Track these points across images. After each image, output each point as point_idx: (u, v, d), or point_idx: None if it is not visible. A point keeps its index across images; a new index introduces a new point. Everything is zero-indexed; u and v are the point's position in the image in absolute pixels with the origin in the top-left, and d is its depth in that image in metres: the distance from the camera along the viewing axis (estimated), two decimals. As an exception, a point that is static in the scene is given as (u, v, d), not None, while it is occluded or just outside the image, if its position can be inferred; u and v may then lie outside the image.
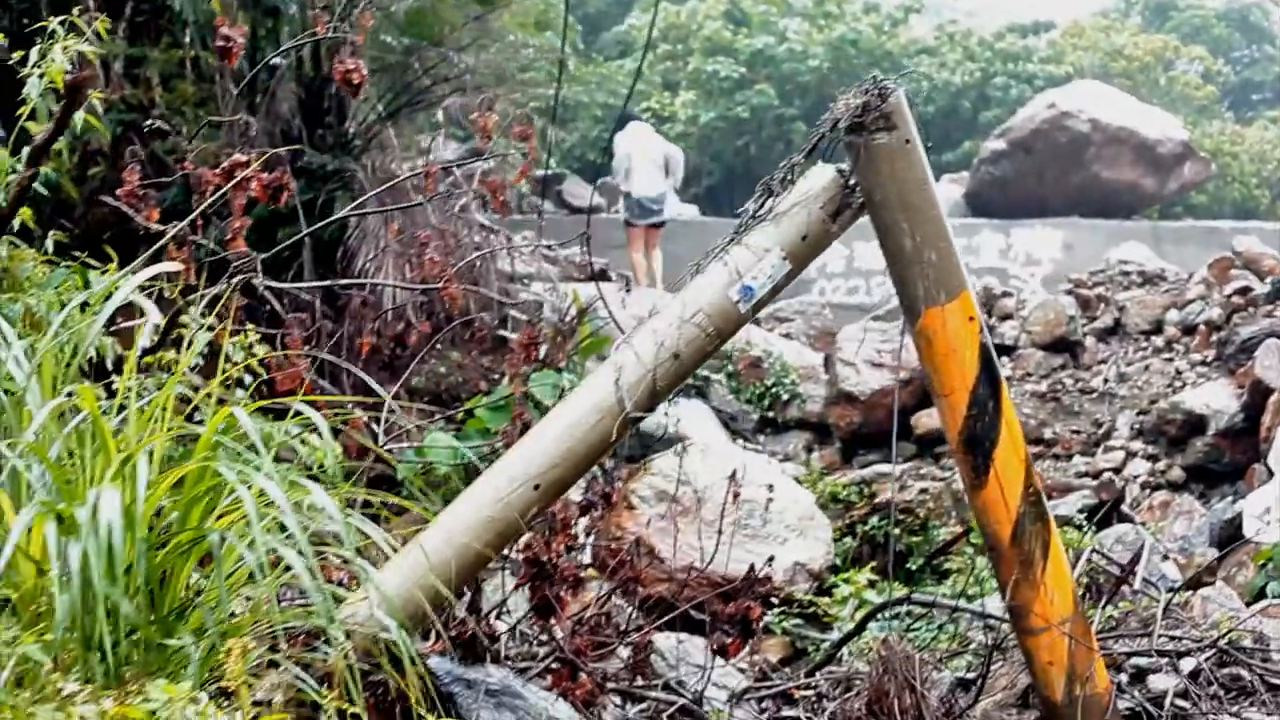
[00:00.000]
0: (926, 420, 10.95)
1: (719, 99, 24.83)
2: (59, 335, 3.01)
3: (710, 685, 4.71)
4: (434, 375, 9.08)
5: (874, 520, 9.06)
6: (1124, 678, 4.80)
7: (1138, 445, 10.77)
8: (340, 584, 3.39)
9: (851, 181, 3.70)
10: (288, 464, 3.14)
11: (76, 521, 2.38)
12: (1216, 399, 10.39)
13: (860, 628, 5.88)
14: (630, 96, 18.87)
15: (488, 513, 3.58)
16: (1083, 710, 4.02)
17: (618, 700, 4.46)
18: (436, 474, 5.60)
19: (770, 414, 11.85)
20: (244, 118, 6.89)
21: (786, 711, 4.87)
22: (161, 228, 4.13)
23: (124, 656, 2.40)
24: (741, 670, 5.45)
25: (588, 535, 5.20)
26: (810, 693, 5.01)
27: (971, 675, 4.80)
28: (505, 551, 4.09)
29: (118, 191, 4.34)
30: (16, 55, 4.17)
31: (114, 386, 3.08)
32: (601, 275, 11.27)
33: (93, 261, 4.36)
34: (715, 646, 4.68)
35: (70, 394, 2.74)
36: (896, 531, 8.85)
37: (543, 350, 5.78)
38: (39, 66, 4.00)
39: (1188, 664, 4.86)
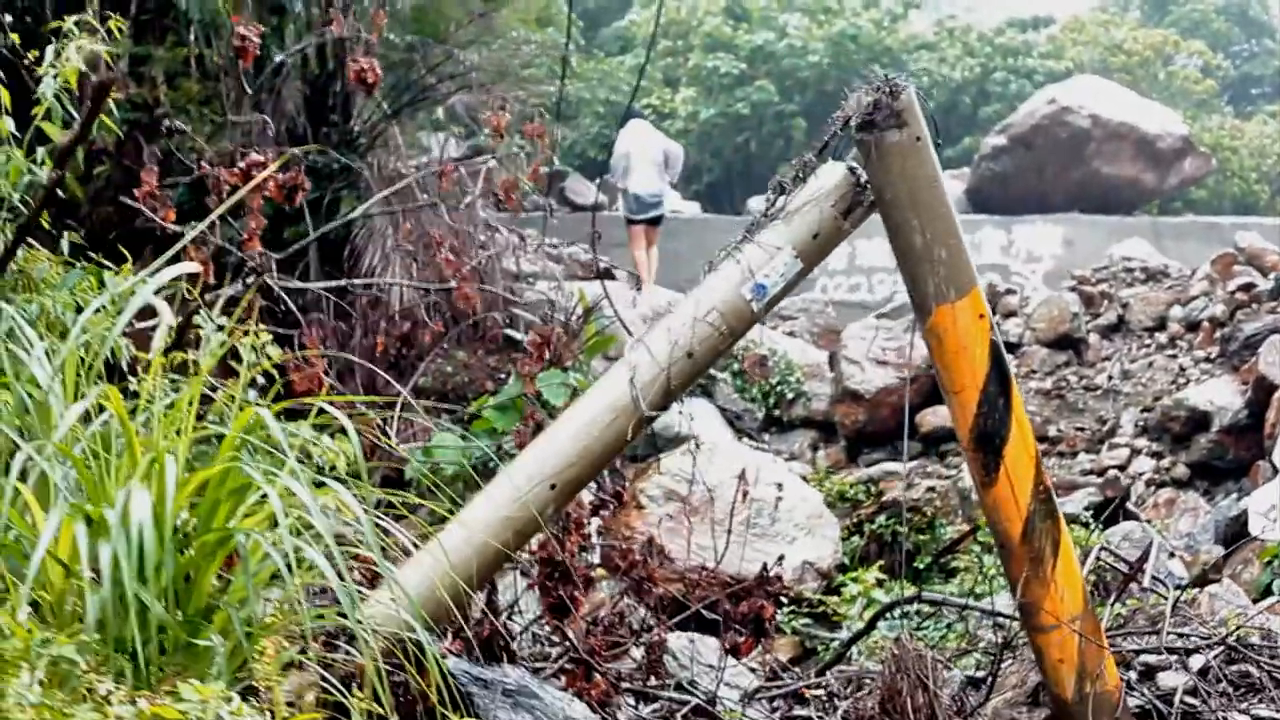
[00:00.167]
0: (931, 418, 10.95)
1: (719, 95, 24.83)
2: (79, 337, 3.01)
3: (721, 685, 4.72)
4: (440, 375, 9.07)
5: (881, 519, 9.08)
6: (1133, 675, 4.81)
7: (1142, 442, 10.78)
8: (358, 583, 3.39)
9: (862, 179, 3.71)
10: (302, 464, 3.14)
11: (106, 523, 2.39)
12: (1220, 395, 10.41)
13: (870, 626, 5.89)
14: (635, 94, 18.82)
15: (506, 512, 3.60)
16: (1093, 708, 4.03)
17: (631, 700, 4.47)
18: (443, 474, 5.60)
19: (775, 412, 11.86)
20: (261, 117, 6.88)
21: (799, 711, 4.88)
22: (177, 228, 4.13)
23: (152, 656, 2.41)
24: (752, 669, 5.45)
25: (599, 535, 5.21)
26: (821, 692, 5.02)
27: (981, 673, 4.81)
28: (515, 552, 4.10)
29: (136, 192, 4.33)
30: (31, 55, 4.16)
31: (131, 388, 3.09)
32: (606, 274, 11.26)
33: (105, 262, 4.36)
34: (728, 646, 4.69)
35: (94, 396, 2.75)
36: (904, 530, 8.86)
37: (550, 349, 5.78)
38: (54, 66, 3.99)
39: (1197, 661, 4.86)
